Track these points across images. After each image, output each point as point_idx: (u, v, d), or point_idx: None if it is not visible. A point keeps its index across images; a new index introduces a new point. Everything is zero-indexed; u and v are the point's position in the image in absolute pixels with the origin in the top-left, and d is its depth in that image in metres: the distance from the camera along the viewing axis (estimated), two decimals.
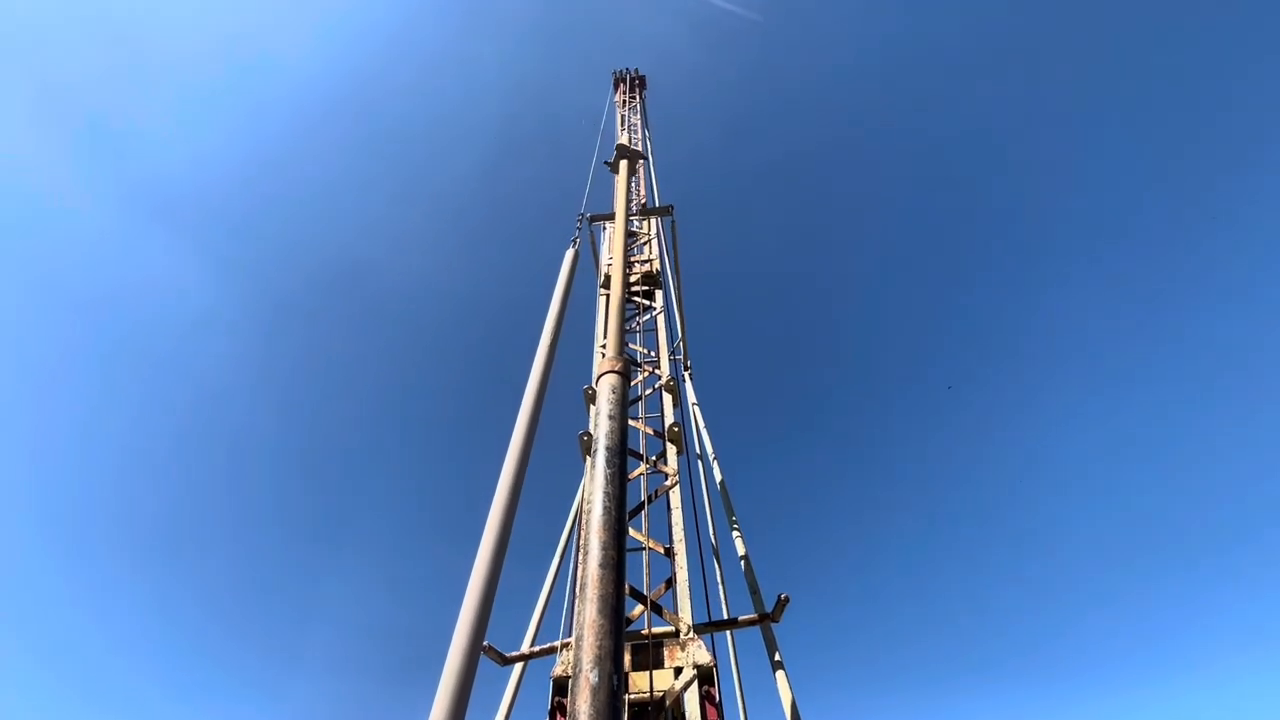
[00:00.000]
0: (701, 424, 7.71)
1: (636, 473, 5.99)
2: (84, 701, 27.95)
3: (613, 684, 2.06)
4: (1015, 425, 35.79)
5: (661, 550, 5.41)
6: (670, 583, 5.19)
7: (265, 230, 38.17)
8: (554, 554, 6.27)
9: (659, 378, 7.21)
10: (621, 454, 2.98)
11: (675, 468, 6.10)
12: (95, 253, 34.73)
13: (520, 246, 38.93)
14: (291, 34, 38.60)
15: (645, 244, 9.53)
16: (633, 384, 7.09)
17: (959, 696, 31.27)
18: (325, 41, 39.52)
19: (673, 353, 7.84)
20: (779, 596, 5.01)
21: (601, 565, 2.45)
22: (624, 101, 15.21)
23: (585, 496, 2.97)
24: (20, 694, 26.53)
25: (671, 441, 6.34)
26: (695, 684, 4.40)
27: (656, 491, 5.85)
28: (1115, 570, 31.82)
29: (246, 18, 37.44)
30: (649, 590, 5.03)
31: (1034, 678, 30.66)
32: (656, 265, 9.00)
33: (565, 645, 4.97)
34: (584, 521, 2.75)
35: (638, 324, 8.24)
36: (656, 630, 4.79)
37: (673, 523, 5.57)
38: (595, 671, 2.08)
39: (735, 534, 6.27)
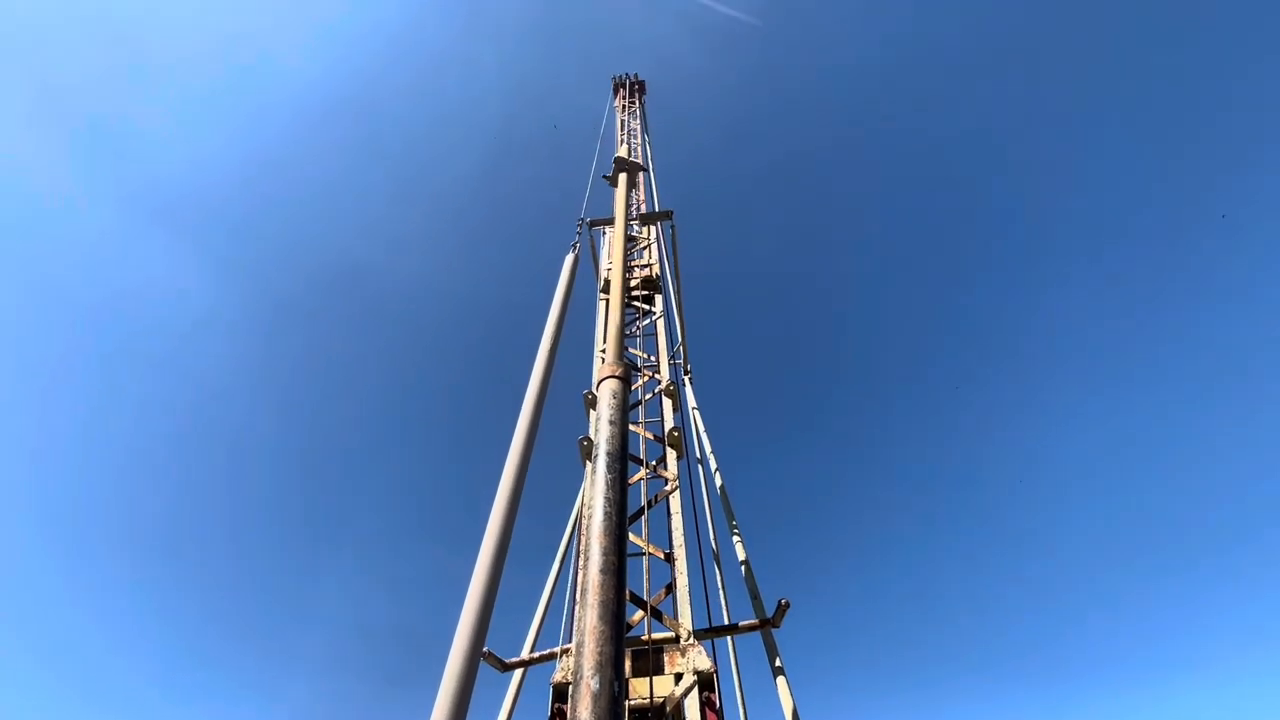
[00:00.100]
0: (702, 428, 7.70)
1: (636, 477, 5.98)
2: (84, 702, 27.90)
3: (614, 690, 2.05)
4: (1015, 425, 35.86)
5: (662, 555, 5.39)
6: (670, 588, 5.17)
7: (265, 231, 38.30)
8: (554, 559, 6.26)
9: (659, 382, 7.20)
10: (622, 459, 2.98)
11: (675, 472, 6.08)
12: (95, 253, 34.84)
13: (520, 248, 39.07)
14: (291, 35, 38.83)
15: (645, 249, 9.53)
16: (633, 389, 7.08)
17: (960, 697, 31.25)
18: (325, 42, 39.78)
19: (673, 357, 7.84)
20: (779, 602, 4.99)
21: (602, 570, 2.44)
22: (624, 107, 15.24)
23: (585, 501, 2.97)
24: (20, 694, 26.46)
25: (671, 446, 6.33)
26: (696, 690, 4.38)
27: (657, 496, 5.83)
28: (1115, 570, 31.82)
29: (246, 19, 37.67)
30: (649, 595, 5.01)
31: (1034, 678, 30.63)
32: (656, 270, 9.00)
33: (565, 651, 4.95)
34: (584, 527, 2.75)
35: (638, 329, 8.25)
36: (657, 636, 4.77)
37: (673, 528, 5.55)
38: (596, 678, 2.07)
39: (735, 539, 6.26)
